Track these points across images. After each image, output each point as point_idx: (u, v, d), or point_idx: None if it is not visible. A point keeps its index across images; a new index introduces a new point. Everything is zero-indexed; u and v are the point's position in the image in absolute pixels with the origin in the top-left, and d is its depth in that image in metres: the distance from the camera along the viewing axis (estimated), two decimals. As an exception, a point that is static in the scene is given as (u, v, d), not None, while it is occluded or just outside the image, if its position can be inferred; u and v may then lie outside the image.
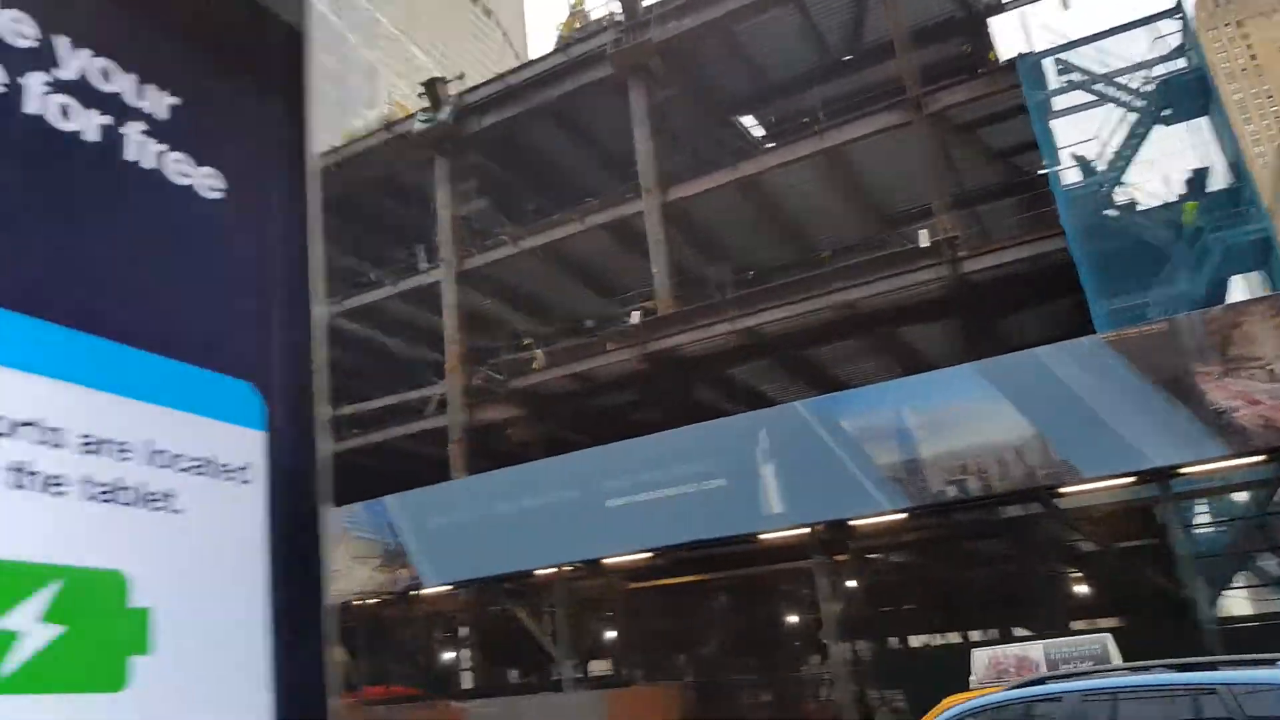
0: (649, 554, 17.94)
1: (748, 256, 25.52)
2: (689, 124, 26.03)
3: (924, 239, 21.01)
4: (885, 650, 22.08)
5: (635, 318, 23.30)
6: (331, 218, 22.29)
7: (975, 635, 25.45)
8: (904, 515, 15.25)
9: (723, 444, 16.09)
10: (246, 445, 1.38)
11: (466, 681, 25.36)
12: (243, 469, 1.37)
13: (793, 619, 26.19)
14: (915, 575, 22.66)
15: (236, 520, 1.34)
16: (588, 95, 25.58)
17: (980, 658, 12.88)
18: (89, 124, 1.27)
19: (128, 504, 1.20)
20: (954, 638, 25.41)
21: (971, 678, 11.97)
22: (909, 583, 22.84)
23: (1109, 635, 12.92)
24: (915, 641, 26.73)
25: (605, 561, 18.43)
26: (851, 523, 15.68)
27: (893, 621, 25.02)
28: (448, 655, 25.89)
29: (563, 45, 26.36)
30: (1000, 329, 22.16)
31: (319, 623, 1.44)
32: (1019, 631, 24.08)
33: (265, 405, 1.41)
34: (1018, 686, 6.54)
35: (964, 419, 14.69)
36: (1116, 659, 11.45)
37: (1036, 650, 12.30)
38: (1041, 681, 6.46)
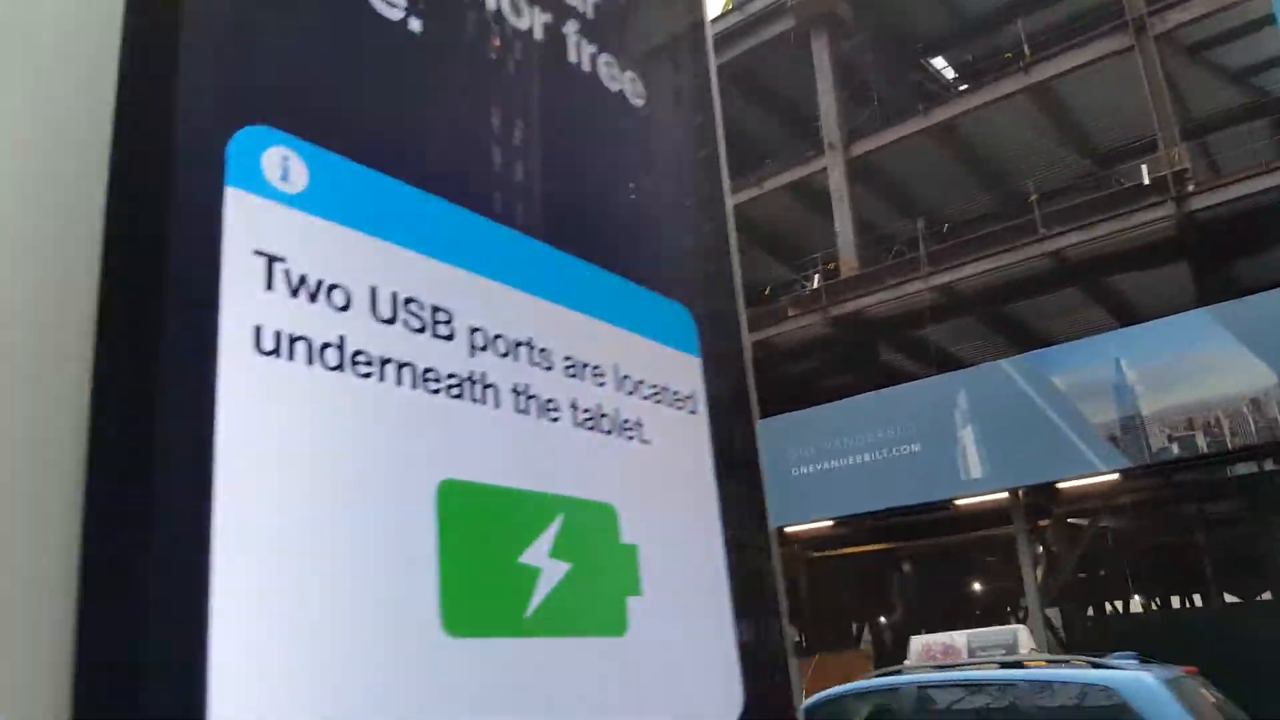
0: (831, 523, 17.21)
1: (940, 210, 23.87)
2: (876, 72, 24.58)
3: (1145, 175, 18.86)
4: (1084, 618, 20.17)
5: (816, 281, 22.32)
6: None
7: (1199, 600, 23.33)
8: (1117, 477, 13.75)
9: (918, 408, 15.09)
10: (690, 372, 1.30)
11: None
12: (689, 397, 1.28)
13: (983, 587, 24.68)
14: (1128, 540, 20.65)
15: (692, 454, 1.26)
16: (765, 53, 24.71)
17: (915, 644, 13.37)
18: (535, 21, 1.18)
19: (608, 432, 1.13)
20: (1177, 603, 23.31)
21: (906, 661, 11.89)
22: (1121, 548, 20.90)
23: (1022, 626, 14.11)
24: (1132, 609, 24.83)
25: (787, 530, 17.78)
26: (1060, 485, 14.32)
27: (1103, 588, 23.04)
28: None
29: (738, 3, 25.54)
30: (1230, 273, 19.67)
31: (770, 570, 1.34)
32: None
33: (699, 329, 1.33)
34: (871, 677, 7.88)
35: (1192, 370, 13.06)
36: (1026, 648, 12.11)
37: (961, 639, 12.91)
38: (891, 674, 7.72)
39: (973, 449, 14.19)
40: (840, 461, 15.60)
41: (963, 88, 24.52)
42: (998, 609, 25.52)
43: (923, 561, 21.48)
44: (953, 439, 14.41)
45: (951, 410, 14.51)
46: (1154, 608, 25.53)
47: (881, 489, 15.21)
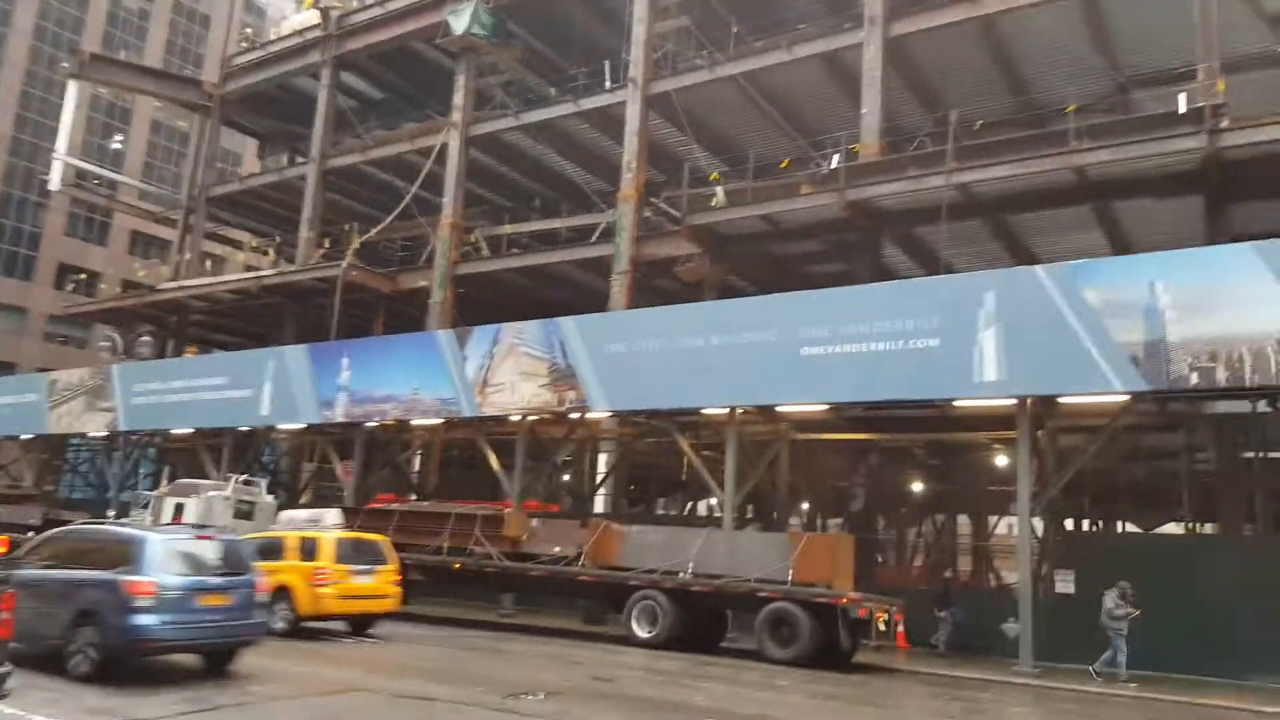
0: (826, 407, 17.28)
1: (967, 109, 23.23)
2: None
3: (1182, 103, 18.52)
4: (1066, 532, 21.04)
5: (834, 161, 21.75)
6: (514, 26, 21.30)
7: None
8: (1127, 398, 13.95)
9: (941, 303, 14.91)
10: None
11: (598, 508, 25.71)
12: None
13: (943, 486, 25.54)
14: (1119, 463, 21.37)
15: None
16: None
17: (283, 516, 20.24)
18: None
19: None
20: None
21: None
22: (1104, 469, 21.61)
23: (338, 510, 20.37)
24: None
25: (781, 410, 17.85)
26: (1063, 400, 14.52)
27: (1079, 506, 23.93)
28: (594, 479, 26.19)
29: None
30: (1244, 215, 19.81)
31: None
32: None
33: None
34: None
35: (1225, 303, 13.12)
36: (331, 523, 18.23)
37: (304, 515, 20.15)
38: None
39: (991, 351, 14.19)
40: (856, 346, 15.48)
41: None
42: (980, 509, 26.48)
43: (902, 456, 22.01)
44: (973, 339, 14.39)
45: (977, 310, 14.43)
46: (1099, 528, 26.62)
47: (893, 379, 15.20)
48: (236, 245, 42.76)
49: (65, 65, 42.70)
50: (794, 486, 21.18)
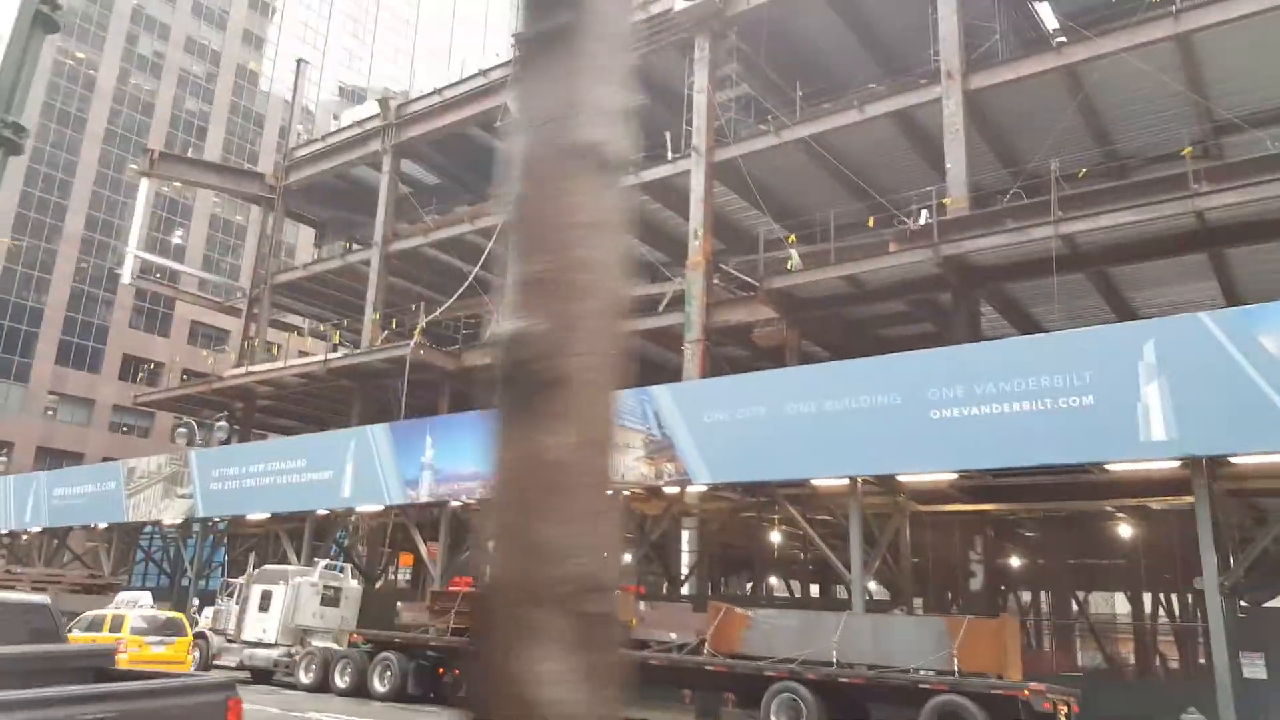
0: (955, 476, 16.08)
1: (1047, 162, 22.55)
2: (995, 3, 23.07)
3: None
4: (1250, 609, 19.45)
5: (922, 218, 20.97)
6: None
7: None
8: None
9: (1094, 356, 13.83)
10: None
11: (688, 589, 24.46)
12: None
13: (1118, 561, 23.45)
14: None
15: None
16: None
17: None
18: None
19: None
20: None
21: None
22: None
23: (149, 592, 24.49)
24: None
25: (903, 480, 16.66)
26: (1242, 460, 13.30)
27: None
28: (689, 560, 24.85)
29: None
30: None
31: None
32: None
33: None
34: None
35: None
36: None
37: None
38: None
39: (1158, 407, 13.05)
40: (994, 408, 14.36)
41: (1061, 40, 22.91)
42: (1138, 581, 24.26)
43: (1037, 527, 20.62)
44: (1134, 395, 13.28)
45: (1135, 362, 13.35)
46: None
47: (1039, 441, 14.05)
48: (295, 330, 42.95)
49: (134, 165, 44.28)
50: (917, 566, 19.81)
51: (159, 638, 18.01)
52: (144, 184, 37.23)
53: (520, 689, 1.63)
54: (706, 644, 15.13)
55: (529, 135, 1.98)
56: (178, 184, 48.16)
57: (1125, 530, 18.07)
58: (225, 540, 32.50)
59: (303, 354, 37.87)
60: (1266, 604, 18.17)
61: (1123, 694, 16.95)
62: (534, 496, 1.77)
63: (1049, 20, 26.50)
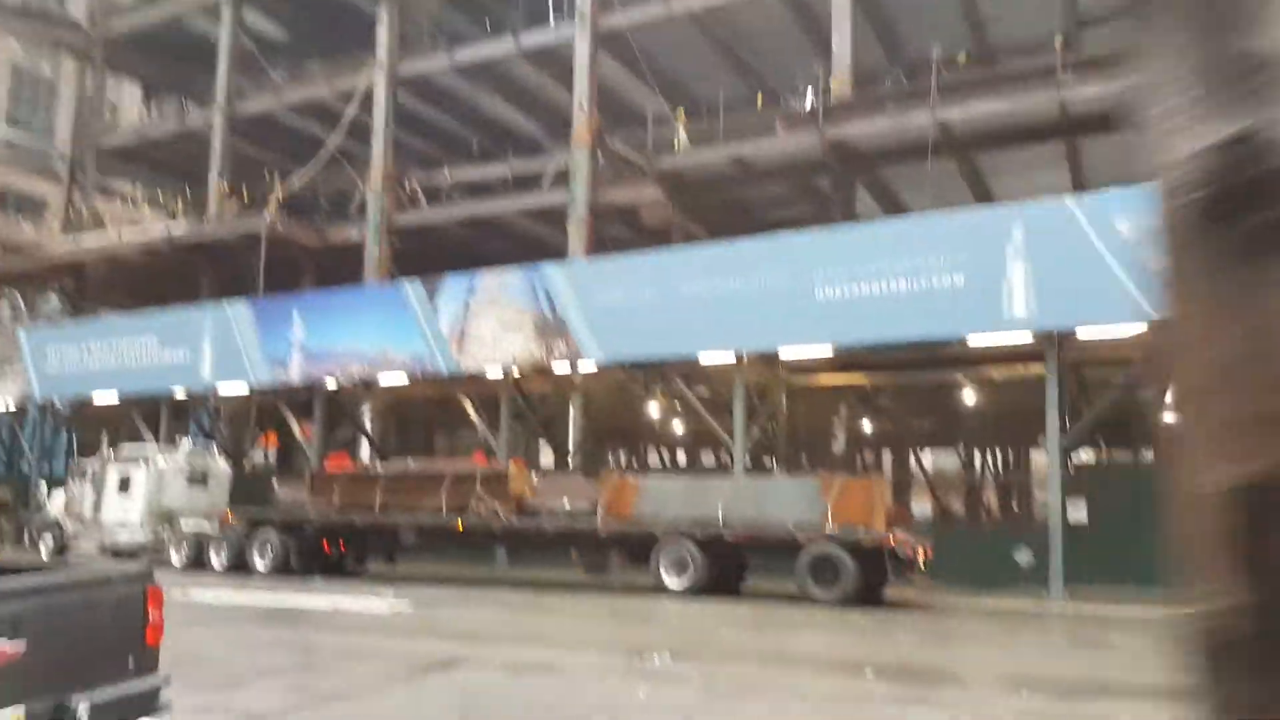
0: (832, 351, 17.04)
1: (931, 45, 23.16)
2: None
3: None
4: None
5: (809, 99, 21.39)
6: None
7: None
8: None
9: (966, 238, 14.80)
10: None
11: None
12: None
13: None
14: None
15: None
16: None
17: None
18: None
19: None
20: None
21: None
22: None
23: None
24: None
25: (784, 355, 17.55)
26: (1088, 334, 14.65)
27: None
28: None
29: None
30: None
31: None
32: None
33: None
34: None
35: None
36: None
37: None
38: None
39: (1021, 286, 14.18)
40: (873, 286, 15.24)
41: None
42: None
43: (898, 397, 22.00)
44: (1000, 274, 14.35)
45: (1004, 244, 14.38)
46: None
47: (913, 318, 15.05)
48: (126, 199, 39.26)
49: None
50: (791, 433, 21.02)
51: None
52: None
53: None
54: (599, 510, 15.87)
55: None
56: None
57: (969, 398, 19.62)
58: (69, 423, 30.45)
59: (136, 225, 34.92)
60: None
61: (961, 539, 18.82)
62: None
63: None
